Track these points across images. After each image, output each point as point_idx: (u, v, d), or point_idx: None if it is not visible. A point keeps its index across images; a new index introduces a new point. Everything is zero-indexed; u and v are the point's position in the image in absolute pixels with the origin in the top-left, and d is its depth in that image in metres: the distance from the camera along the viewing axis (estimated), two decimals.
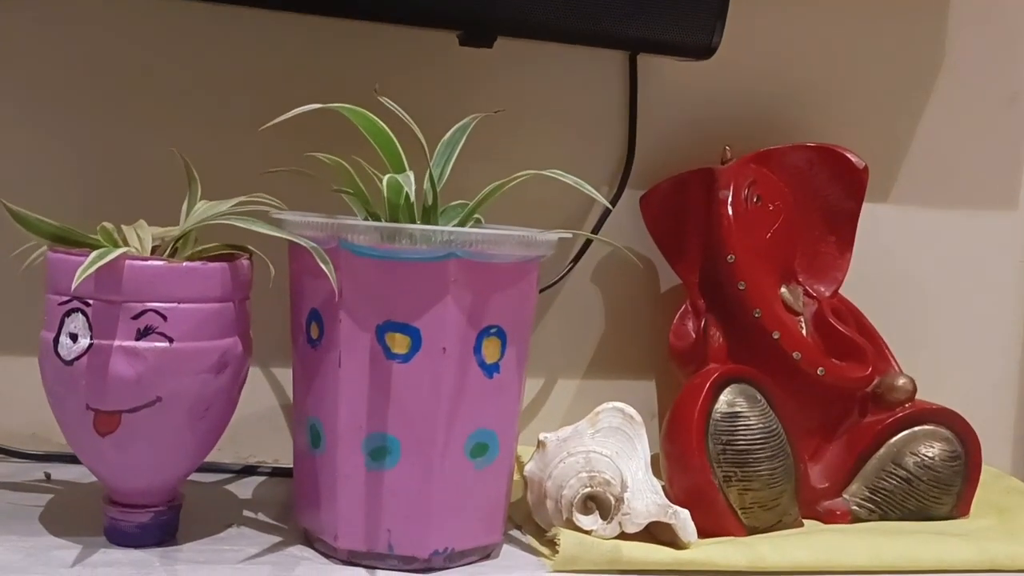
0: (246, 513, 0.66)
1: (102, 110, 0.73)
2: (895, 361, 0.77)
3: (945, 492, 0.72)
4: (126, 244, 0.57)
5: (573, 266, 0.81)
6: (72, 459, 0.73)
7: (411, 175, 0.54)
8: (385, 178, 0.55)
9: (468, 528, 0.59)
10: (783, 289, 0.76)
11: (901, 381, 0.74)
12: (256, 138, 0.76)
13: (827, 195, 0.78)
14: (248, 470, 0.75)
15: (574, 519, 0.61)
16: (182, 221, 0.60)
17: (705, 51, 0.71)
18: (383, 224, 0.55)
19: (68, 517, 0.62)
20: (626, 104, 0.81)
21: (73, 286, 0.50)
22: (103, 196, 0.71)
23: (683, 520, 0.62)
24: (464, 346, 0.56)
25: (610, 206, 0.65)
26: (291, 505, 0.68)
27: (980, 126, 0.89)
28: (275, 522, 0.65)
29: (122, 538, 0.58)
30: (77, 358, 0.53)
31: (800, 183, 0.78)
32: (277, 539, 0.61)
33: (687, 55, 0.73)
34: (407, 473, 0.56)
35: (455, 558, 0.59)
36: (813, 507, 0.72)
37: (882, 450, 0.73)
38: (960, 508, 0.73)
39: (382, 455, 0.57)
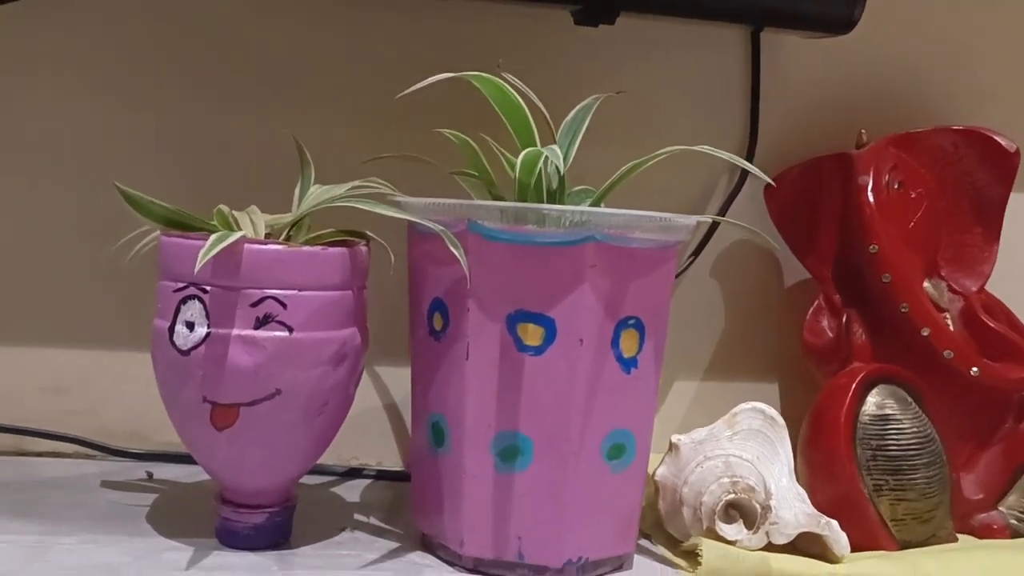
0: (357, 516, 0.63)
1: (204, 94, 0.70)
2: None
3: None
4: (239, 229, 0.53)
5: (693, 259, 0.76)
6: (173, 458, 0.70)
7: (556, 148, 0.50)
8: (523, 152, 0.50)
9: (603, 536, 0.54)
10: (926, 283, 0.70)
11: None
12: (361, 125, 0.73)
13: (973, 182, 0.72)
14: (352, 472, 0.71)
15: (716, 528, 0.56)
16: (295, 206, 0.57)
17: (845, 25, 0.66)
18: (517, 204, 0.51)
19: (175, 517, 0.59)
20: (748, 86, 0.76)
21: (196, 269, 0.47)
22: (209, 182, 0.68)
23: (836, 532, 0.56)
24: (601, 338, 0.52)
25: (771, 181, 0.59)
26: (404, 508, 0.65)
27: None
28: (388, 526, 0.61)
29: (235, 540, 0.55)
30: (194, 347, 0.50)
31: (943, 169, 0.72)
32: (394, 544, 0.58)
33: (824, 30, 0.68)
34: (540, 475, 0.52)
35: (588, 568, 0.54)
36: (967, 521, 0.66)
37: None
38: None
39: (513, 455, 0.52)
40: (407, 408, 0.75)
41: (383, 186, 0.58)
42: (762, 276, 0.78)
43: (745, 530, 0.56)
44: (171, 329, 0.51)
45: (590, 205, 0.56)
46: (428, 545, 0.57)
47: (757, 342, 0.78)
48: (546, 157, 0.53)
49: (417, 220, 0.52)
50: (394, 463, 0.74)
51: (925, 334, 0.66)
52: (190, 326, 0.51)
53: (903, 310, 0.66)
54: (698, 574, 0.54)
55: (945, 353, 0.66)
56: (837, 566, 0.55)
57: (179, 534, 0.56)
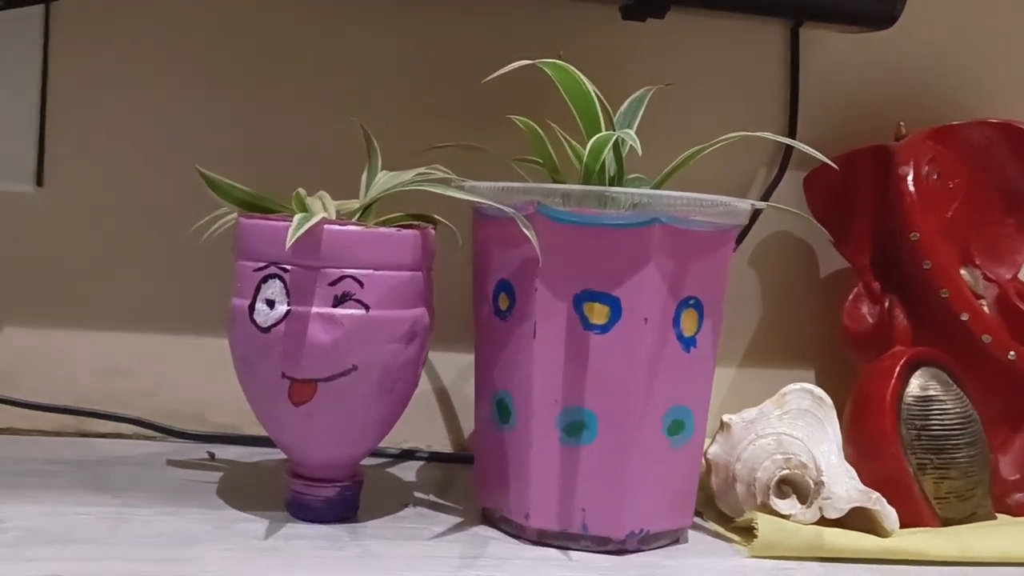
0: (416, 494, 0.65)
1: (271, 89, 0.72)
2: None
3: None
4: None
5: (735, 248, 0.78)
6: (233, 439, 0.72)
7: (631, 132, 0.52)
8: (594, 138, 0.53)
9: (662, 509, 0.56)
10: (963, 271, 0.72)
11: None
12: (417, 117, 0.75)
13: (1007, 174, 0.74)
14: (406, 454, 0.73)
15: (771, 503, 0.58)
16: (362, 191, 0.59)
17: (886, 20, 0.68)
18: (589, 187, 0.53)
19: (243, 493, 0.61)
20: (787, 81, 0.78)
21: (288, 246, 0.49)
22: (274, 170, 0.70)
23: (886, 507, 0.58)
24: (664, 317, 0.54)
25: (830, 163, 0.60)
26: (459, 487, 0.67)
27: None
28: (448, 502, 0.63)
29: (305, 512, 0.57)
30: (274, 325, 0.52)
31: (978, 161, 0.74)
32: (457, 519, 0.60)
33: (864, 24, 0.70)
34: (604, 449, 0.54)
35: (648, 540, 0.56)
36: (1003, 500, 0.68)
37: None
38: None
39: (578, 430, 0.54)
40: (455, 392, 0.78)
41: (446, 173, 0.60)
42: (798, 266, 0.81)
43: (799, 505, 0.58)
44: (251, 307, 0.53)
45: (653, 187, 0.58)
46: (490, 519, 0.59)
47: (793, 330, 0.80)
48: (614, 143, 0.55)
49: (490, 203, 0.54)
50: (443, 446, 0.76)
51: (964, 319, 0.68)
52: (270, 304, 0.53)
53: (943, 296, 0.68)
54: (754, 547, 0.56)
55: (983, 338, 0.68)
56: (887, 540, 0.57)
57: (250, 507, 0.58)
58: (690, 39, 0.77)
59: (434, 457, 0.74)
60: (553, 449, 0.55)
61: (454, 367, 0.76)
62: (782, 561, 0.56)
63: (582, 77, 0.54)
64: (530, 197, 0.53)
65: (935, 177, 0.71)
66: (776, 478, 0.58)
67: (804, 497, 0.59)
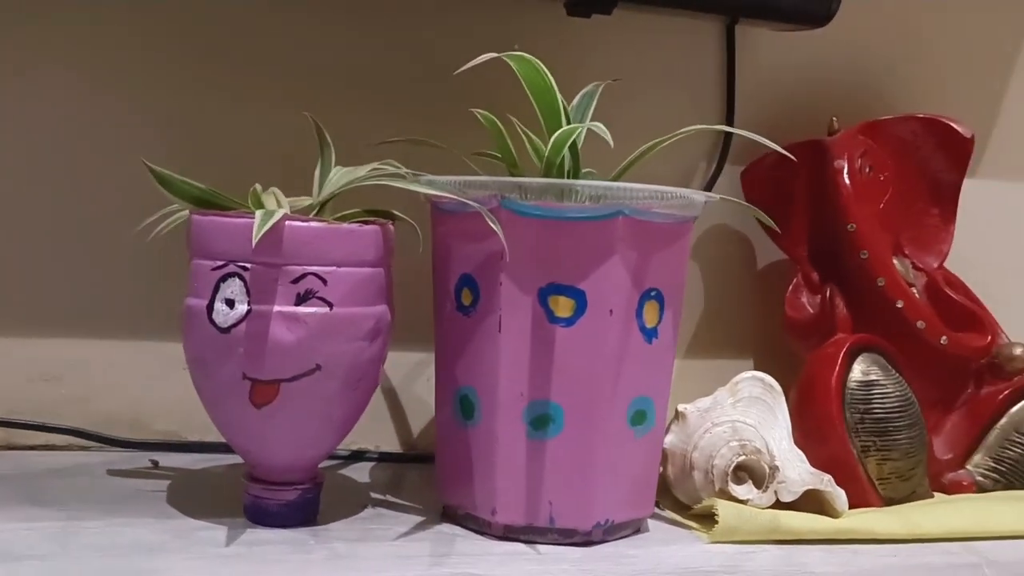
0: (373, 495, 0.64)
1: (215, 81, 0.70)
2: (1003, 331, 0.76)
3: None
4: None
5: None
6: (175, 447, 0.70)
7: (600, 124, 0.52)
8: (559, 132, 0.53)
9: (626, 499, 0.57)
10: (895, 261, 0.75)
11: (1019, 350, 0.73)
12: (367, 113, 0.74)
13: (932, 167, 0.77)
14: (356, 456, 0.72)
15: (728, 489, 0.59)
16: (315, 187, 0.58)
17: (822, 18, 0.71)
18: (552, 180, 0.53)
19: (196, 500, 0.59)
20: (723, 78, 0.80)
21: (254, 243, 0.48)
22: (218, 167, 0.68)
23: (836, 489, 0.60)
24: (628, 309, 0.54)
25: (790, 155, 0.61)
26: (413, 486, 0.66)
27: None
28: (406, 502, 0.62)
29: (266, 517, 0.55)
30: (235, 325, 0.51)
31: (905, 155, 0.77)
32: (419, 518, 0.59)
33: (800, 23, 0.72)
34: (570, 442, 0.54)
35: (612, 531, 0.57)
36: (938, 479, 0.71)
37: (1004, 420, 0.72)
38: None
39: (544, 423, 0.54)
40: (404, 391, 0.77)
41: (398, 168, 0.60)
42: (736, 258, 0.82)
43: (755, 490, 0.60)
44: (209, 307, 0.51)
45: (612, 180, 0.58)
46: (452, 517, 0.58)
47: (732, 320, 0.82)
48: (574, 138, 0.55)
49: (453, 197, 0.53)
50: (392, 446, 0.75)
51: (900, 306, 0.71)
52: (230, 303, 0.51)
53: (880, 284, 0.71)
54: (714, 533, 0.57)
55: (918, 324, 0.71)
56: (839, 521, 0.59)
57: (206, 514, 0.56)
58: (629, 35, 0.78)
59: (385, 457, 0.73)
60: (519, 443, 0.55)
61: (402, 366, 0.75)
62: (742, 546, 0.57)
63: (544, 70, 0.54)
64: (492, 191, 0.53)
65: (868, 170, 0.74)
66: (733, 464, 0.60)
67: (759, 482, 0.60)
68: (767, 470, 0.60)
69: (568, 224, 0.53)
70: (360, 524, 0.57)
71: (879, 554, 0.57)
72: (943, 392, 0.73)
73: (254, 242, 0.48)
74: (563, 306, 0.54)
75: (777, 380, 0.68)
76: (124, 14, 0.68)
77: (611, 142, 0.51)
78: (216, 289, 0.51)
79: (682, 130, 0.57)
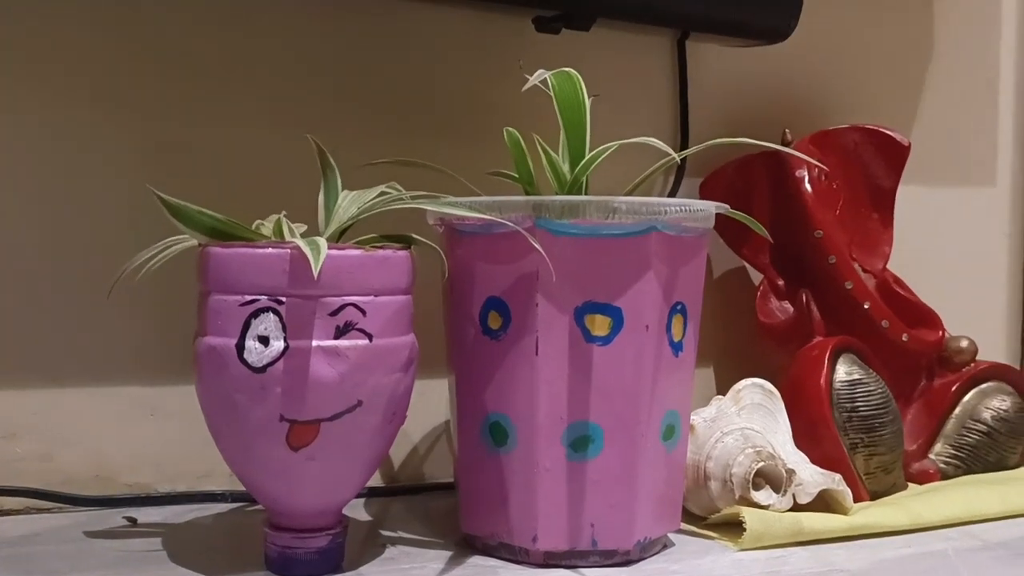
0: (385, 532, 0.61)
1: (198, 105, 0.66)
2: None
3: (1019, 442, 0.77)
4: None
5: None
6: (148, 501, 0.64)
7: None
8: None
9: (661, 515, 0.56)
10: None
11: (965, 343, 0.78)
12: (348, 134, 0.71)
13: (872, 172, 0.81)
14: None
15: (750, 496, 0.60)
16: (320, 213, 0.55)
17: (781, 35, 0.73)
18: (597, 198, 0.52)
19: (203, 556, 0.54)
20: (676, 93, 0.82)
21: (316, 275, 0.44)
22: (210, 193, 0.63)
23: (845, 487, 0.62)
24: (660, 324, 0.54)
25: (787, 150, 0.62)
26: (424, 519, 0.63)
27: (961, 109, 0.96)
28: (423, 537, 0.60)
29: (294, 568, 0.51)
30: (271, 363, 0.47)
31: (848, 163, 0.81)
32: (447, 552, 0.57)
33: (761, 38, 0.74)
34: (610, 461, 0.54)
35: (647, 548, 0.56)
36: (906, 470, 0.74)
37: (958, 409, 0.77)
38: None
39: (584, 445, 0.53)
40: None
41: (402, 192, 0.57)
42: None
43: (774, 494, 0.61)
44: (239, 346, 0.47)
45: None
46: (481, 547, 0.56)
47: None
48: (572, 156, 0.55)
49: (487, 218, 0.52)
50: (373, 481, 0.72)
51: (867, 307, 0.74)
52: (264, 340, 0.47)
53: (848, 287, 0.74)
54: (743, 540, 0.58)
55: (883, 323, 0.74)
56: (851, 517, 0.61)
57: (224, 571, 0.52)
58: (580, 52, 0.78)
59: (374, 492, 0.69)
60: (560, 467, 0.53)
61: None
62: (771, 550, 0.58)
63: (583, 87, 0.54)
64: (528, 211, 0.52)
65: (823, 179, 0.77)
66: (753, 471, 0.61)
67: (776, 487, 0.61)
68: (784, 474, 0.61)
69: (605, 241, 0.52)
70: (393, 565, 0.54)
71: (895, 546, 0.60)
72: (903, 386, 0.77)
73: (315, 274, 0.44)
74: (600, 324, 0.53)
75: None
76: (101, 38, 0.64)
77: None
78: (246, 326, 0.47)
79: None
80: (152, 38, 0.65)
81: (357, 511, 0.65)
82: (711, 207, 0.56)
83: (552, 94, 0.53)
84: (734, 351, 0.83)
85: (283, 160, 0.67)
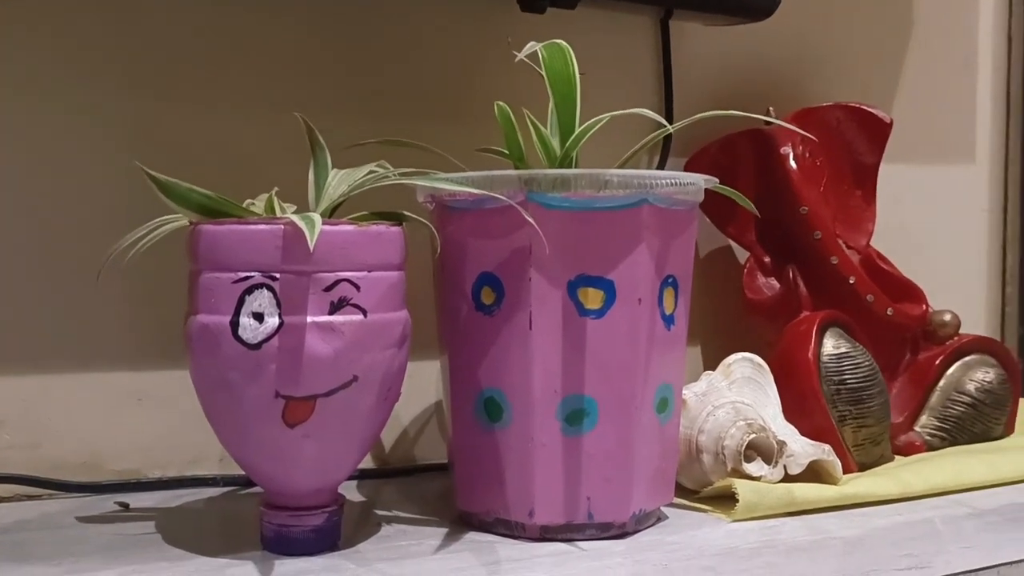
0: (380, 512, 0.60)
1: (179, 89, 0.65)
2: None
3: (1003, 413, 0.78)
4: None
5: None
6: (139, 486, 0.64)
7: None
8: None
9: (656, 488, 0.57)
10: None
11: (948, 317, 0.79)
12: (333, 114, 0.70)
13: (854, 149, 0.82)
14: None
15: (742, 468, 0.61)
16: (311, 191, 0.55)
17: (765, 12, 0.74)
18: (590, 171, 0.52)
19: (200, 537, 0.54)
20: (660, 72, 0.82)
21: (311, 249, 0.44)
22: (194, 173, 0.63)
23: (835, 457, 0.63)
24: (652, 297, 0.55)
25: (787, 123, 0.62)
26: (416, 498, 0.63)
27: (940, 87, 0.97)
28: (417, 515, 0.60)
29: (291, 546, 0.51)
30: (266, 340, 0.47)
31: (832, 140, 0.81)
32: (442, 529, 0.57)
33: (746, 16, 0.75)
34: (605, 434, 0.54)
35: (642, 520, 0.57)
36: (892, 442, 0.75)
37: (942, 382, 0.78)
38: (1008, 427, 0.79)
39: (579, 418, 0.54)
40: None
41: (390, 169, 0.57)
42: None
43: (766, 466, 0.61)
44: (234, 323, 0.47)
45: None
46: (477, 523, 0.56)
47: None
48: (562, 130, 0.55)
49: (480, 193, 0.52)
50: (365, 463, 0.72)
51: (852, 282, 0.75)
52: (258, 317, 0.47)
53: (833, 262, 0.75)
54: (736, 512, 0.58)
55: (868, 298, 0.75)
56: (842, 487, 0.62)
57: (220, 552, 0.52)
58: (563, 30, 0.78)
59: (365, 474, 0.69)
60: (555, 441, 0.54)
61: None
62: (763, 521, 0.59)
63: (573, 59, 0.54)
64: (516, 186, 0.52)
65: (807, 156, 0.78)
66: (744, 444, 0.61)
67: (767, 458, 0.62)
68: (775, 446, 0.61)
69: (597, 215, 0.52)
70: (390, 543, 0.54)
71: (886, 514, 0.60)
72: (888, 360, 0.78)
73: (311, 248, 0.44)
74: (592, 298, 0.53)
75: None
76: (88, 19, 0.63)
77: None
78: (240, 303, 0.47)
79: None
80: (138, 18, 0.65)
81: (350, 492, 0.65)
82: (700, 180, 0.56)
83: (543, 66, 0.53)
84: (722, 329, 0.84)
85: (268, 143, 0.67)
